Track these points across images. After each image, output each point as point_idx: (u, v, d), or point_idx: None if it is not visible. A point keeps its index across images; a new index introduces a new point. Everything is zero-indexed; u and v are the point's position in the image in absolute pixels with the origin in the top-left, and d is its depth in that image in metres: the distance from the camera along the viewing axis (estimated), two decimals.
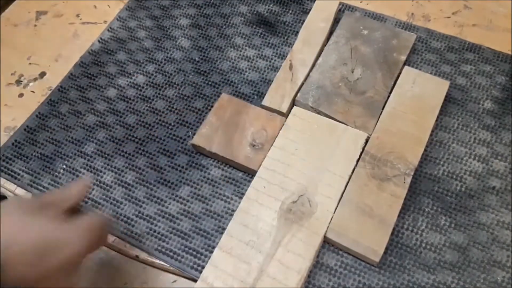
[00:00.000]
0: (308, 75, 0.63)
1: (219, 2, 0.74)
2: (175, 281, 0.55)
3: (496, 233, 0.53)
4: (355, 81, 0.61)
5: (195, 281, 0.51)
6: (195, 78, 0.67)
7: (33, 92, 0.69)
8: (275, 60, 0.68)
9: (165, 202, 0.58)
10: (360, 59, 0.63)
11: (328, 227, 0.52)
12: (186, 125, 0.63)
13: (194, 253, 0.54)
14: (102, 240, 0.45)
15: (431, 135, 0.59)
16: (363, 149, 0.57)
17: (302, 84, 0.62)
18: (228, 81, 0.67)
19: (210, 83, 0.67)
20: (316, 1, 0.69)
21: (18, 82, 0.70)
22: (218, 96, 0.64)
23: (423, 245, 0.53)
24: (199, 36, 0.71)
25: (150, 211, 0.57)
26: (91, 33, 0.74)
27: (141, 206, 0.58)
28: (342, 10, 0.71)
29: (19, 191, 0.61)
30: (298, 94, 0.61)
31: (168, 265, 0.54)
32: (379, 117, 0.59)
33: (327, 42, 0.66)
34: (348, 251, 0.52)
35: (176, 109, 0.65)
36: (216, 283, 0.50)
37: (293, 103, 0.62)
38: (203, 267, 0.52)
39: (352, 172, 0.55)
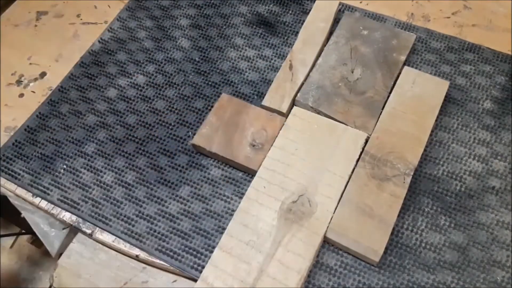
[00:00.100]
0: (308, 75, 0.63)
1: (219, 2, 0.75)
2: (175, 281, 0.55)
3: (496, 233, 0.53)
4: (355, 81, 0.62)
5: (195, 280, 0.51)
6: (195, 78, 0.68)
7: (33, 92, 0.69)
8: (275, 60, 0.68)
9: (165, 202, 0.58)
10: (360, 59, 0.63)
11: (328, 227, 0.52)
12: (186, 125, 0.63)
13: (194, 253, 0.54)
14: None
15: (431, 135, 0.59)
16: (363, 149, 0.57)
17: (302, 84, 0.62)
18: (228, 81, 0.67)
19: (210, 83, 0.67)
20: (316, 1, 0.69)
21: (19, 82, 0.71)
22: (218, 96, 0.64)
23: (423, 245, 0.53)
24: (199, 36, 0.71)
25: (150, 211, 0.57)
26: (91, 33, 0.74)
27: (141, 206, 0.58)
28: (342, 10, 0.71)
29: (20, 191, 0.61)
30: (298, 94, 0.61)
31: (168, 265, 0.54)
32: (379, 117, 0.59)
33: (327, 42, 0.66)
34: (348, 251, 0.53)
35: (176, 109, 0.65)
36: (216, 283, 0.50)
37: (293, 103, 0.62)
38: (203, 267, 0.52)
39: (352, 172, 0.55)
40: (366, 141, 0.57)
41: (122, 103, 0.66)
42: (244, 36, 0.71)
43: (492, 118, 0.61)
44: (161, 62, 0.69)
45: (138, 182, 0.59)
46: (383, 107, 0.60)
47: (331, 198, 0.53)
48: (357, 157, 0.56)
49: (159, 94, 0.66)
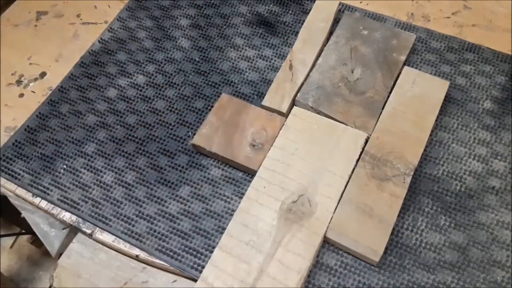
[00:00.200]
0: (308, 75, 0.63)
1: (219, 2, 0.75)
2: (175, 281, 0.55)
3: (495, 233, 0.53)
4: (355, 81, 0.62)
5: (195, 280, 0.51)
6: (195, 78, 0.68)
7: (33, 92, 0.69)
8: (275, 60, 0.68)
9: (165, 202, 0.58)
10: (360, 59, 0.63)
11: (328, 227, 0.52)
12: (186, 125, 0.63)
13: (194, 252, 0.54)
14: None
15: (431, 135, 0.59)
16: (363, 149, 0.57)
17: (302, 84, 0.62)
18: (228, 81, 0.67)
19: (210, 83, 0.67)
20: (316, 1, 0.69)
21: (19, 82, 0.71)
22: (218, 96, 0.64)
23: (423, 245, 0.53)
24: (199, 36, 0.71)
25: (150, 211, 0.57)
26: (91, 33, 0.74)
27: (141, 206, 0.58)
28: (342, 10, 0.71)
29: (20, 191, 0.61)
30: (298, 94, 0.61)
31: (168, 265, 0.54)
32: (379, 117, 0.59)
33: (327, 42, 0.66)
34: (348, 251, 0.53)
35: (176, 109, 0.65)
36: (216, 283, 0.50)
37: (293, 103, 0.62)
38: (203, 267, 0.52)
39: (352, 172, 0.55)
40: (366, 141, 0.57)
41: (122, 103, 0.66)
42: (244, 36, 0.71)
43: (492, 118, 0.61)
44: (161, 62, 0.69)
45: (138, 182, 0.59)
46: (383, 107, 0.60)
47: (331, 198, 0.53)
48: (357, 157, 0.56)
49: (159, 94, 0.66)
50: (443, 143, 0.59)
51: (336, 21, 0.68)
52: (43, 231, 0.63)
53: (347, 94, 0.61)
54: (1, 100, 0.69)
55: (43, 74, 0.71)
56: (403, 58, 0.63)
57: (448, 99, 0.62)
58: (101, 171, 0.61)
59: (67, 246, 0.59)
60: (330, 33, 0.67)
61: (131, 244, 0.56)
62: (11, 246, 1.13)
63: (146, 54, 0.70)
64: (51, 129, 0.64)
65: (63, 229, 0.62)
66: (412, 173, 0.55)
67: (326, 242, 0.53)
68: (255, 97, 0.65)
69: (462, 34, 0.68)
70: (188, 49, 0.70)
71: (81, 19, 0.76)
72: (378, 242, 0.51)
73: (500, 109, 0.61)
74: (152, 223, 0.56)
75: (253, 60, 0.68)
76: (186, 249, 0.55)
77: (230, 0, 0.75)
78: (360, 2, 0.73)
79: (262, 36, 0.71)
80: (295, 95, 0.61)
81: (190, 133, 0.63)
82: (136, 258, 0.56)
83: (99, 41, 0.72)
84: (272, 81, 0.63)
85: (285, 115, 0.60)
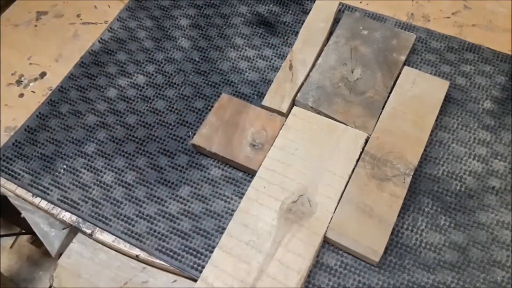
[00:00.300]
0: (308, 75, 0.63)
1: (219, 2, 0.75)
2: (175, 281, 0.55)
3: (495, 233, 0.53)
4: (355, 81, 0.62)
5: (195, 280, 0.51)
6: (195, 78, 0.68)
7: (33, 92, 0.69)
8: (275, 60, 0.68)
9: (165, 202, 0.58)
10: (360, 59, 0.63)
11: (328, 227, 0.52)
12: (186, 125, 0.63)
13: (194, 252, 0.54)
14: None
15: (431, 135, 0.59)
16: (363, 149, 0.57)
17: (302, 84, 0.62)
18: (228, 81, 0.67)
19: (210, 83, 0.67)
20: (316, 1, 0.69)
21: (19, 82, 0.71)
22: (218, 96, 0.64)
23: (423, 245, 0.53)
24: (199, 36, 0.71)
25: (150, 211, 0.57)
26: (91, 33, 0.74)
27: (141, 206, 0.58)
28: (342, 10, 0.71)
29: (20, 191, 0.61)
30: (298, 94, 0.61)
31: (168, 265, 0.54)
32: (379, 117, 0.59)
33: (327, 42, 0.66)
34: (348, 251, 0.53)
35: (176, 109, 0.65)
36: (216, 283, 0.50)
37: (293, 103, 0.62)
38: (203, 267, 0.52)
39: (352, 172, 0.55)
40: (366, 141, 0.57)
41: (122, 103, 0.66)
42: (244, 36, 0.71)
43: (492, 118, 0.61)
44: (161, 62, 0.69)
45: (138, 182, 0.59)
46: (383, 107, 0.60)
47: (331, 198, 0.53)
48: (357, 157, 0.56)
49: (159, 94, 0.66)
50: (443, 143, 0.59)
51: (336, 21, 0.68)
52: (43, 231, 0.63)
53: (347, 94, 0.61)
54: (1, 100, 0.69)
55: (43, 74, 0.71)
56: (403, 58, 0.63)
57: (448, 99, 0.62)
58: (101, 171, 0.61)
59: (67, 246, 0.59)
60: (330, 33, 0.67)
61: (131, 244, 0.56)
62: (11, 246, 1.13)
63: (146, 54, 0.70)
64: (51, 129, 0.65)
65: (63, 229, 0.62)
66: (412, 173, 0.55)
67: (326, 242, 0.53)
68: (255, 97, 0.65)
69: (462, 34, 0.68)
70: (188, 49, 0.70)
71: (81, 19, 0.76)
72: (378, 242, 0.51)
73: (500, 109, 0.61)
74: (152, 223, 0.56)
75: (253, 60, 0.68)
76: (186, 249, 0.55)
77: (230, 0, 0.75)
78: (360, 2, 0.73)
79: (262, 36, 0.71)
80: (295, 95, 0.61)
81: (190, 133, 0.63)
82: (136, 258, 0.56)
83: (99, 41, 0.72)
84: (272, 81, 0.63)
85: (285, 115, 0.60)
